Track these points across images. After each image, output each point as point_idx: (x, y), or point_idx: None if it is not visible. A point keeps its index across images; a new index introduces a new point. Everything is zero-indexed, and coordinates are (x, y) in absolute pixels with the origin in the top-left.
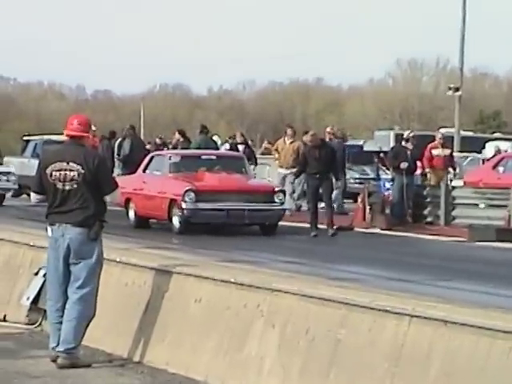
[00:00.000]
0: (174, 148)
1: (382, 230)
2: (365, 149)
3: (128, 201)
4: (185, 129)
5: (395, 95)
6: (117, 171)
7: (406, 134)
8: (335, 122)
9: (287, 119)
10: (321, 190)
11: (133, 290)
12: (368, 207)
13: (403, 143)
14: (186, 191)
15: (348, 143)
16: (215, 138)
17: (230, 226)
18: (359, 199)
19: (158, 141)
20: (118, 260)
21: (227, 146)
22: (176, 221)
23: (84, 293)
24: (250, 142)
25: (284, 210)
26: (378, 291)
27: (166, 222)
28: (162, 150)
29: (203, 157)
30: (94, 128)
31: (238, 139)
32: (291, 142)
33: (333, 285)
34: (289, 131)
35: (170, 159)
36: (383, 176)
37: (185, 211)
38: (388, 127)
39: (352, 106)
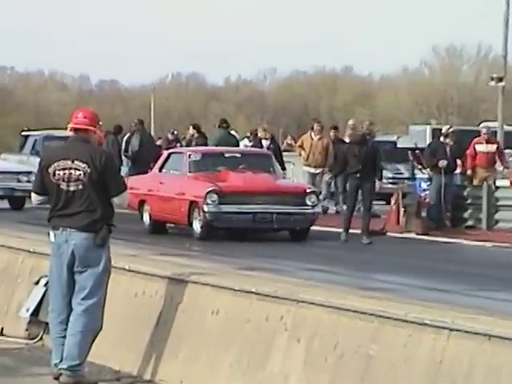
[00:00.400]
0: (188, 144)
1: (418, 234)
2: (398, 145)
3: (142, 203)
4: (199, 123)
5: (432, 86)
6: (124, 170)
7: (444, 129)
8: (366, 116)
9: (312, 112)
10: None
11: (143, 301)
12: (402, 210)
13: (441, 139)
14: (209, 192)
15: (380, 139)
16: (233, 132)
17: (257, 232)
18: (392, 201)
19: (170, 136)
20: (126, 268)
21: (246, 141)
22: (197, 225)
23: (90, 304)
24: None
25: (317, 213)
26: (414, 302)
27: (185, 227)
28: (175, 146)
29: (227, 154)
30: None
31: (261, 134)
32: (319, 139)
33: (364, 295)
34: (316, 126)
35: (189, 157)
36: (419, 175)
37: (207, 215)
38: (424, 121)
39: (384, 98)
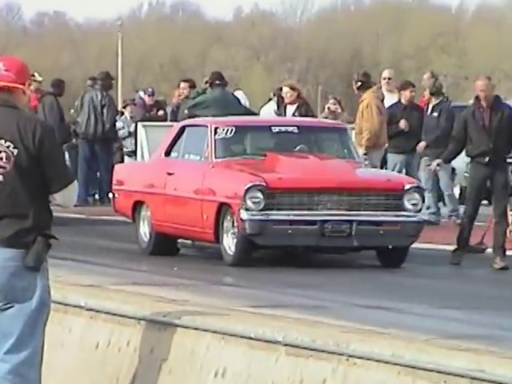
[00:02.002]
0: (174, 111)
1: None
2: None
3: (138, 207)
4: (194, 78)
5: None
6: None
7: None
8: (450, 67)
9: (366, 61)
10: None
11: (108, 356)
12: (511, 214)
13: None
14: (249, 189)
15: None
16: (238, 93)
17: (325, 252)
18: None
19: (147, 99)
20: (82, 305)
21: (273, 106)
22: (228, 242)
23: (19, 361)
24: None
25: (422, 222)
26: None
27: (209, 245)
28: (155, 114)
29: (275, 128)
30: (38, 77)
31: (287, 94)
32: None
33: (453, 347)
34: (385, 83)
35: (216, 133)
36: None
37: (246, 225)
38: None
39: (481, 39)
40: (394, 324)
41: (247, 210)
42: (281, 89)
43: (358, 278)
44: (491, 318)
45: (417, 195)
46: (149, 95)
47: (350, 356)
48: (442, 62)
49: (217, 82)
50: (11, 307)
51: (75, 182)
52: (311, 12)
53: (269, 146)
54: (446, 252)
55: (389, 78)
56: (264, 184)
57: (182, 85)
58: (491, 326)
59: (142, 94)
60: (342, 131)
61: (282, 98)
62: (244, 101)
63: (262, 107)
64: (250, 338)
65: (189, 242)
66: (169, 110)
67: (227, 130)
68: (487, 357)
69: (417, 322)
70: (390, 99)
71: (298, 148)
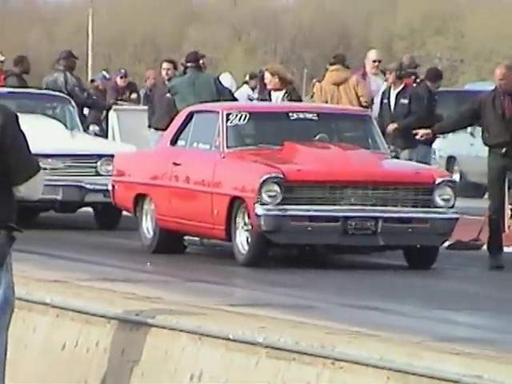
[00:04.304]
0: (148, 95)
1: None
2: None
3: (140, 199)
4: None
5: None
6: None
7: None
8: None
9: (355, 42)
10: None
11: (75, 358)
12: (510, 208)
13: None
14: (265, 182)
15: (470, 88)
16: (225, 76)
17: (349, 251)
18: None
19: (118, 81)
20: (48, 302)
21: (248, 90)
22: (242, 240)
23: None
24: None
25: (455, 219)
26: None
27: (220, 243)
28: (128, 97)
29: (293, 115)
30: (0, 57)
31: (269, 79)
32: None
33: (445, 350)
34: (374, 66)
35: (228, 120)
36: None
37: (261, 220)
38: None
39: (478, 21)
40: (384, 325)
41: (263, 204)
42: (262, 72)
43: (347, 277)
44: (487, 320)
45: (449, 190)
46: (121, 77)
47: (335, 359)
48: (437, 43)
49: (189, 65)
50: None
51: (41, 172)
52: None
53: (286, 135)
54: (442, 250)
55: (379, 61)
56: (281, 176)
57: (166, 65)
58: (487, 329)
59: (105, 74)
60: (367, 119)
61: (263, 81)
62: (229, 84)
63: (235, 91)
64: (229, 339)
65: (197, 239)
66: (142, 92)
67: (240, 117)
68: (483, 361)
69: (408, 324)
70: (375, 83)
71: (318, 137)
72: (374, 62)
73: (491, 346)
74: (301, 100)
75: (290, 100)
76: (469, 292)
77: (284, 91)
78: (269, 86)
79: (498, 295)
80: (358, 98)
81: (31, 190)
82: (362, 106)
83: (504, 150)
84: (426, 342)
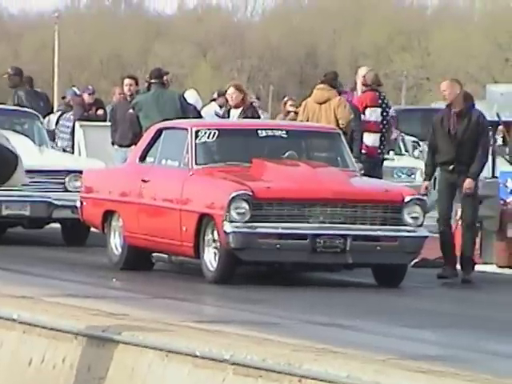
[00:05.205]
0: (114, 111)
1: (500, 267)
2: None
3: (109, 216)
4: (137, 76)
5: None
6: None
7: None
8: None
9: (322, 60)
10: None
11: (42, 373)
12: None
13: None
14: (233, 199)
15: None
16: (190, 93)
17: (316, 270)
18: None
19: (85, 96)
20: (14, 318)
21: (216, 108)
22: (210, 257)
23: None
24: (255, 102)
25: (423, 238)
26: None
27: (188, 260)
28: (94, 113)
29: (263, 132)
30: None
31: (231, 96)
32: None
33: (411, 368)
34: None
35: (196, 137)
36: (503, 168)
37: (230, 238)
38: None
39: (444, 37)
40: (351, 343)
41: (231, 221)
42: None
43: (316, 295)
44: (454, 338)
45: (418, 208)
46: (89, 94)
47: (302, 377)
48: (403, 61)
49: (153, 81)
50: None
51: (18, 164)
52: (263, 6)
53: (255, 152)
54: (410, 268)
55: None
56: (250, 193)
57: (128, 81)
58: (453, 347)
59: (76, 90)
60: (336, 136)
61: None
62: (194, 101)
63: (202, 108)
64: (196, 356)
65: (165, 256)
66: (108, 109)
67: (209, 134)
68: (450, 379)
69: (375, 342)
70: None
71: (287, 154)
72: (364, 77)
73: (457, 363)
74: (259, 117)
75: (246, 117)
76: (435, 310)
77: (241, 108)
78: (231, 103)
79: (464, 313)
80: (337, 119)
81: (15, 182)
82: (339, 128)
83: (451, 166)
84: (392, 359)
